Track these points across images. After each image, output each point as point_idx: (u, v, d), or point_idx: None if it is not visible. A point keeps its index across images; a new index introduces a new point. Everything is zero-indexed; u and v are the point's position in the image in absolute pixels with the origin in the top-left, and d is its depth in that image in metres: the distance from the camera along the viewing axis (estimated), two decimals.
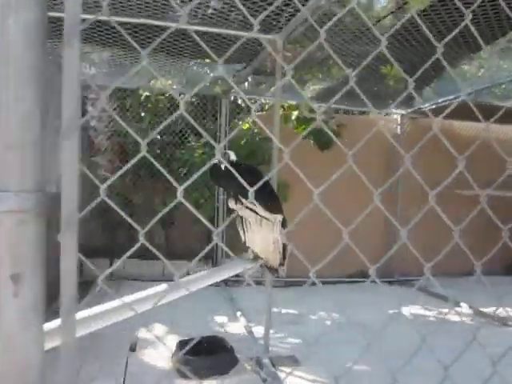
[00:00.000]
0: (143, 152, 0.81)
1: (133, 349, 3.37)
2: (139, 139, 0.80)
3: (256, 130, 5.33)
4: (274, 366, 3.11)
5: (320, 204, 1.01)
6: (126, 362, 3.12)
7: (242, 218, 2.57)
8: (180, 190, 0.83)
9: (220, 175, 2.64)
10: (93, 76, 5.25)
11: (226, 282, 5.43)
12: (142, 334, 3.67)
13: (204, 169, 0.94)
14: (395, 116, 6.13)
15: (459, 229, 1.09)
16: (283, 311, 4.60)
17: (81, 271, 5.34)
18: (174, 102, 5.88)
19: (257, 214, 2.53)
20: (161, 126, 0.88)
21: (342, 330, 4.06)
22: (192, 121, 0.89)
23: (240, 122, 5.53)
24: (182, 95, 5.38)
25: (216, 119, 5.54)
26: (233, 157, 2.60)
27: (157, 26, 3.53)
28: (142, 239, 0.90)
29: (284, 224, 2.64)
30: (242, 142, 5.27)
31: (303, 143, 5.31)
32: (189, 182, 0.86)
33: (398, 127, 6.06)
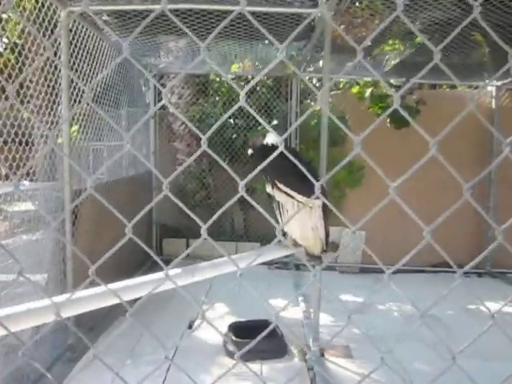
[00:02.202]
0: (203, 146, 0.80)
1: (191, 326, 3.51)
2: (197, 131, 0.81)
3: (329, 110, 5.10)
4: (322, 355, 3.01)
5: (397, 198, 0.90)
6: (181, 337, 3.27)
7: (278, 202, 2.48)
8: (241, 184, 0.81)
9: (257, 158, 2.59)
10: (170, 64, 5.47)
11: (297, 266, 5.38)
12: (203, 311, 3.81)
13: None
14: (489, 88, 5.42)
15: None
16: (351, 299, 4.42)
17: (160, 250, 5.69)
18: (251, 86, 5.90)
19: (293, 198, 2.43)
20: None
21: (411, 323, 3.78)
22: (251, 110, 0.87)
23: (312, 103, 5.35)
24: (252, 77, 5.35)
25: (286, 100, 5.43)
26: (271, 139, 2.51)
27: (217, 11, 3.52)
28: (204, 233, 0.92)
29: (326, 209, 2.50)
30: (313, 123, 5.10)
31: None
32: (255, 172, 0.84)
33: (493, 101, 5.35)
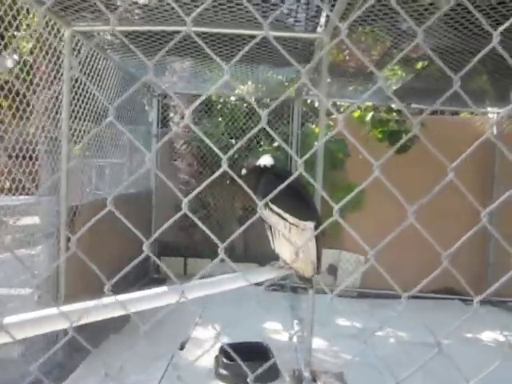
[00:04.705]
0: (223, 166, 0.83)
1: (182, 347, 3.46)
2: (218, 151, 0.84)
3: (328, 133, 5.14)
4: (314, 380, 2.95)
5: (416, 224, 0.91)
6: (171, 358, 3.22)
7: (271, 224, 2.48)
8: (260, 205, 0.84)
9: (250, 178, 2.60)
10: (174, 84, 5.56)
11: (293, 288, 5.33)
12: (196, 333, 3.76)
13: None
14: (490, 115, 5.44)
15: None
16: (348, 324, 4.36)
17: (158, 268, 5.67)
18: (253, 107, 5.96)
19: (286, 220, 2.43)
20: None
21: (407, 351, 3.71)
22: (272, 132, 0.92)
23: (314, 125, 5.40)
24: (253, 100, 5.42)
25: (288, 122, 5.48)
26: (265, 161, 2.53)
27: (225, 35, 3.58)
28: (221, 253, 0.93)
29: (320, 231, 2.49)
30: (314, 145, 5.12)
31: (379, 146, 4.99)
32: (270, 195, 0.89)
33: (494, 128, 5.37)
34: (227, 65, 0.74)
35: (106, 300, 1.65)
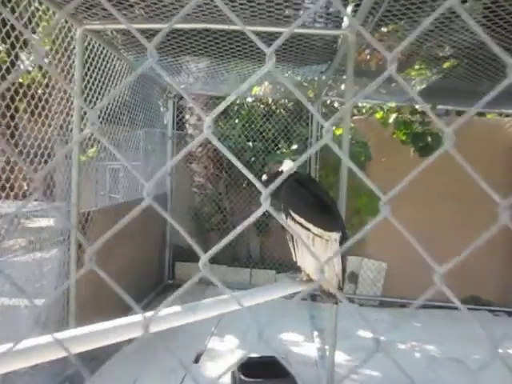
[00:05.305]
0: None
1: (197, 360, 3.31)
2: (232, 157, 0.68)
3: (349, 136, 4.94)
4: None
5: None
6: (185, 374, 3.07)
7: (292, 234, 2.30)
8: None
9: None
10: (190, 85, 5.43)
11: (313, 296, 5.13)
12: (211, 344, 3.61)
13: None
14: None
15: None
16: (370, 335, 4.15)
17: (173, 273, 5.54)
18: (271, 108, 5.80)
19: (309, 230, 2.25)
20: None
21: (432, 366, 3.50)
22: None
23: (334, 127, 5.19)
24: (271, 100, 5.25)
25: (307, 124, 5.29)
26: (287, 167, 2.35)
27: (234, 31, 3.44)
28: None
29: (344, 243, 2.31)
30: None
31: (402, 148, 4.78)
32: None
33: None
34: (269, 48, 0.57)
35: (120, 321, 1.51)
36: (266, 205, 0.62)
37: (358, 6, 2.27)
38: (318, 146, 0.64)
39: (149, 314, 1.60)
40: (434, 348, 3.90)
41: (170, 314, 1.66)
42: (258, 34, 2.94)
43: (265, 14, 2.59)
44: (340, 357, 3.52)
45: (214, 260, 5.53)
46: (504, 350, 3.94)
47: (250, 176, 0.63)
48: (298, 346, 3.73)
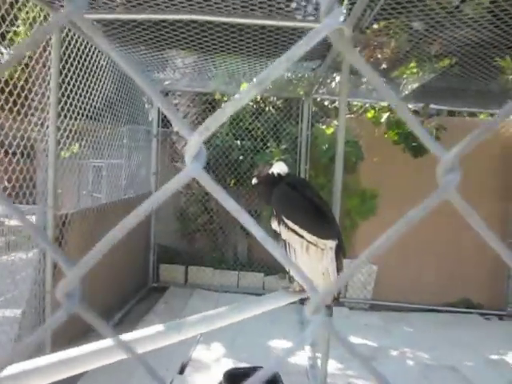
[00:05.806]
0: None
1: (182, 371, 3.15)
2: None
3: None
4: None
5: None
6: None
7: (285, 241, 2.15)
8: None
9: (262, 189, 2.27)
10: (177, 80, 5.24)
11: (302, 300, 4.99)
12: (197, 353, 3.44)
13: None
14: None
15: None
16: (361, 341, 4.03)
17: (157, 276, 5.35)
18: (260, 106, 5.63)
19: (303, 238, 2.10)
20: None
21: (425, 374, 3.39)
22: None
23: (324, 126, 5.06)
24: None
25: (297, 123, 5.14)
26: (279, 168, 2.19)
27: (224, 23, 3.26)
28: None
29: (341, 251, 2.17)
30: (325, 148, 4.80)
31: (394, 148, 4.66)
32: None
33: None
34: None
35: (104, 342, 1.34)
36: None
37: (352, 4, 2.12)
38: None
39: (128, 335, 1.43)
40: (427, 355, 3.80)
41: (152, 335, 1.51)
42: (249, 26, 2.78)
43: (256, 6, 2.43)
44: (330, 365, 3.38)
45: (200, 263, 5.36)
46: (496, 354, 3.87)
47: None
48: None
